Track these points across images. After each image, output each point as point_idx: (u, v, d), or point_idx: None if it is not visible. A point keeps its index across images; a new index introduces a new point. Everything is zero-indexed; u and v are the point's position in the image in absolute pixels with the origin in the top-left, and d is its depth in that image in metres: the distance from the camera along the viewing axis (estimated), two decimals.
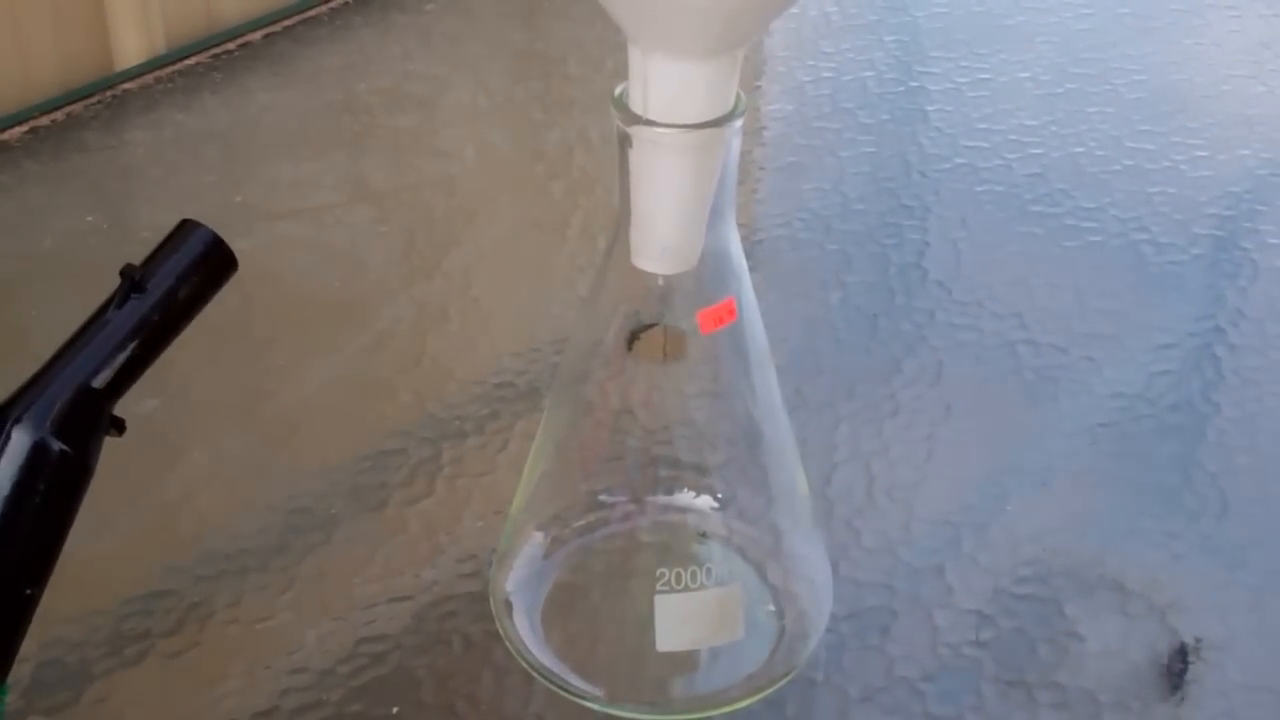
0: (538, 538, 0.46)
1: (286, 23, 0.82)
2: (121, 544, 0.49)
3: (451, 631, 0.46)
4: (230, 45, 0.79)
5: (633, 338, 0.42)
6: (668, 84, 0.36)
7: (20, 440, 0.33)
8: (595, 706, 0.43)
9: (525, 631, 0.44)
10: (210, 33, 0.80)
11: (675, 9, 0.35)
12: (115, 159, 0.70)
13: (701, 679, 0.43)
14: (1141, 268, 0.64)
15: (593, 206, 0.67)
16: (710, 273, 0.40)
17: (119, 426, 0.35)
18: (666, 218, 0.39)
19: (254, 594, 0.47)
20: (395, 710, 0.43)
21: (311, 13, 0.83)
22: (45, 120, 0.72)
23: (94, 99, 0.74)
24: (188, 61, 0.78)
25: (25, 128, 0.71)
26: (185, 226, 0.36)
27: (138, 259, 0.37)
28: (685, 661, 0.43)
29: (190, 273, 0.36)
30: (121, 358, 0.35)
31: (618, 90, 0.38)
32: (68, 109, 0.73)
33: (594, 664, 0.44)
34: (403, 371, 0.58)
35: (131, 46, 0.76)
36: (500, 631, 0.45)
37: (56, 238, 0.64)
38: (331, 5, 0.84)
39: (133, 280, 0.35)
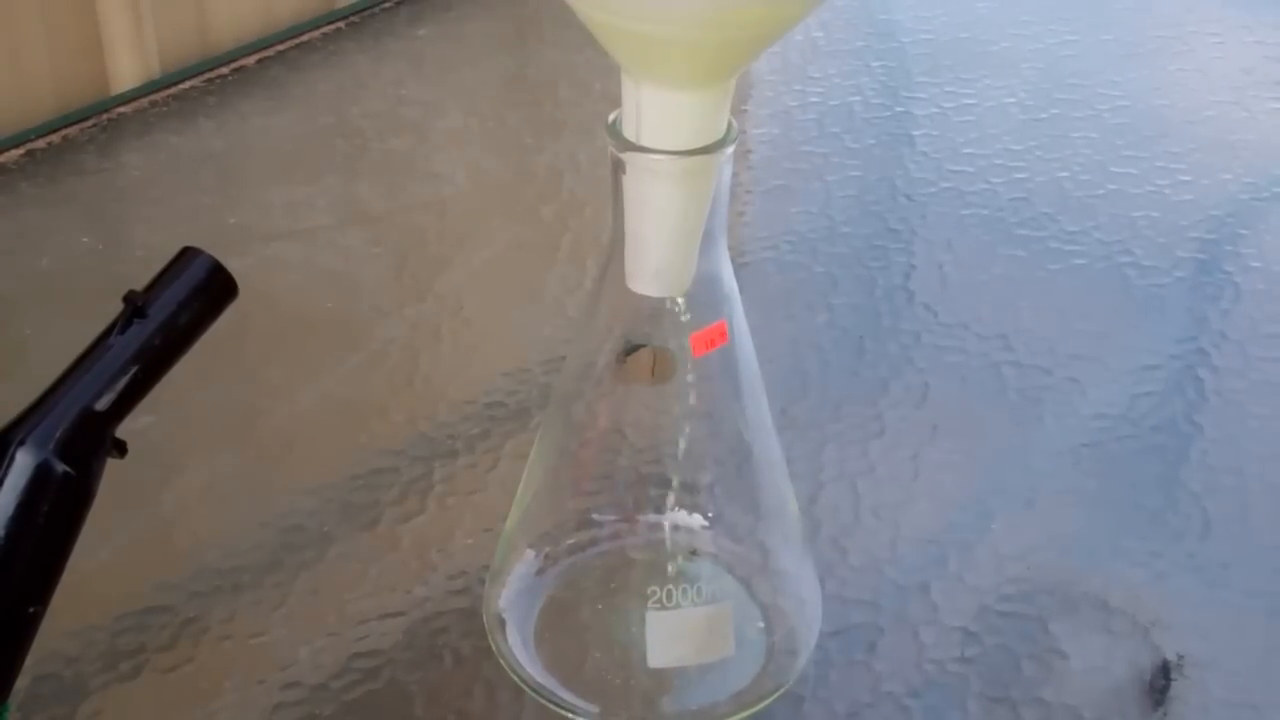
0: (530, 555, 0.46)
1: (280, 47, 0.83)
2: (116, 559, 0.49)
3: (443, 647, 0.46)
4: (224, 70, 0.80)
5: (621, 359, 0.42)
6: (660, 112, 0.37)
7: (24, 462, 0.34)
8: None
9: (518, 647, 0.45)
10: (204, 57, 0.80)
11: (665, 45, 0.35)
12: (111, 181, 0.71)
13: (691, 695, 0.44)
14: (1125, 290, 0.65)
15: (582, 229, 0.68)
16: (703, 296, 0.41)
17: (120, 448, 0.36)
18: (660, 242, 0.39)
19: (248, 610, 0.48)
20: None
21: (305, 38, 0.84)
22: (41, 143, 0.73)
23: (89, 122, 0.74)
24: (182, 85, 0.78)
25: (22, 151, 0.72)
26: (187, 254, 0.37)
27: (133, 279, 0.37)
28: (675, 678, 0.44)
29: (191, 299, 0.36)
30: (123, 381, 0.35)
31: (611, 117, 0.38)
32: (64, 132, 0.73)
33: (585, 680, 0.44)
34: (395, 391, 0.58)
35: (126, 70, 0.77)
36: (493, 647, 0.45)
37: (53, 258, 0.65)
38: (324, 30, 0.85)
39: (135, 306, 0.35)
